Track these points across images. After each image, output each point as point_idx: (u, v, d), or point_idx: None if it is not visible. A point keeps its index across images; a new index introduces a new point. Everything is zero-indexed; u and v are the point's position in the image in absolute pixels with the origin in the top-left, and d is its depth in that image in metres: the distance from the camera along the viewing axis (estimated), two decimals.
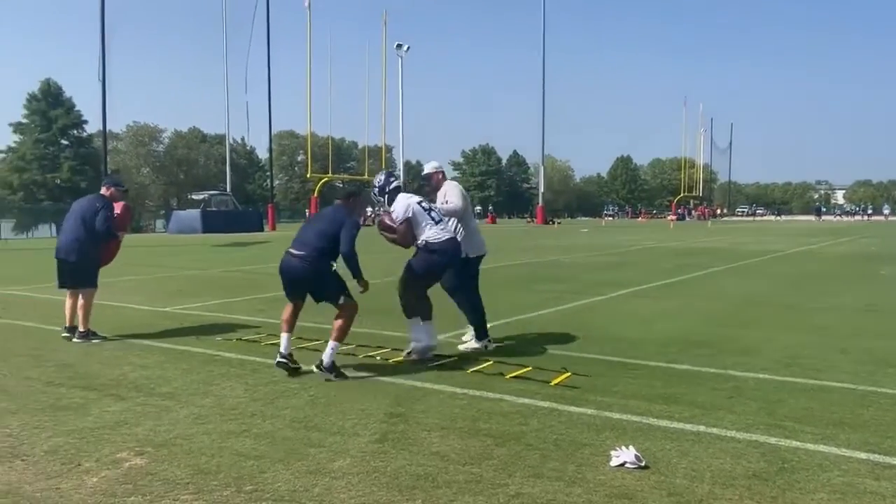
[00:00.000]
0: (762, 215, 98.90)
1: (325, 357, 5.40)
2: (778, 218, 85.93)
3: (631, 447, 3.72)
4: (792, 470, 3.57)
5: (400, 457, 3.76)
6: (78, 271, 7.05)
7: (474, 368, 5.68)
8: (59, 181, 56.77)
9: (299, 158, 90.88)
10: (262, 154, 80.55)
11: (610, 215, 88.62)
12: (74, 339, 6.94)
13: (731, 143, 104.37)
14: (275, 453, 3.82)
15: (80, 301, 7.02)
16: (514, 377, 5.39)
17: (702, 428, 4.22)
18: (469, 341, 6.51)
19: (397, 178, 6.56)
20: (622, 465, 3.60)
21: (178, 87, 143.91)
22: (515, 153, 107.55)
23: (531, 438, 4.05)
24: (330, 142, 54.78)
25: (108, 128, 35.95)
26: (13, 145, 58.96)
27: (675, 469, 3.58)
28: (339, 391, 5.07)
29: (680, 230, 41.36)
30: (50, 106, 58.19)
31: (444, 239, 5.97)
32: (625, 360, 6.02)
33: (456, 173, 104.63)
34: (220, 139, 67.73)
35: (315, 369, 5.42)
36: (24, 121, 58.67)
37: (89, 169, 56.53)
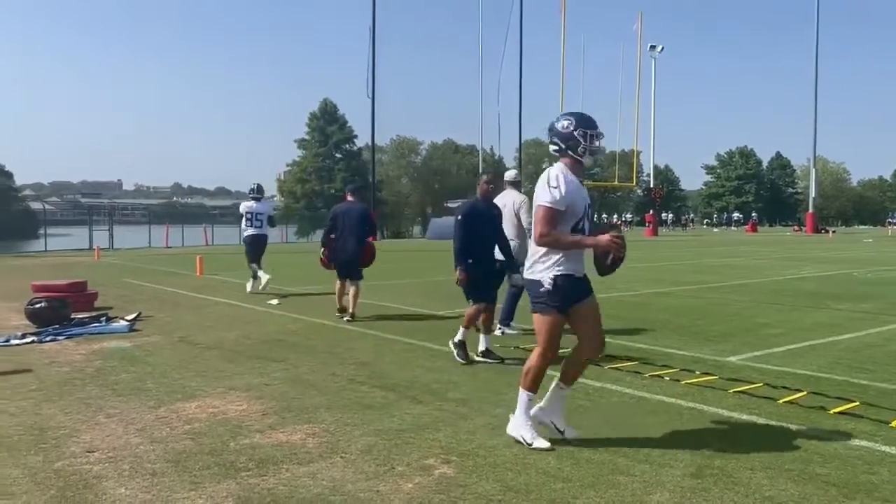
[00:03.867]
0: None
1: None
2: None
3: None
4: None
5: (726, 497, 3.34)
6: (351, 267, 8.98)
7: (785, 399, 5.02)
8: (333, 191, 63.23)
9: (544, 166, 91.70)
10: (510, 163, 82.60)
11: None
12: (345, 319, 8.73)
13: None
14: (583, 477, 3.61)
15: (352, 290, 8.83)
16: (840, 413, 4.66)
17: None
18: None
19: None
20: None
21: (436, 102, 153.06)
22: (779, 155, 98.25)
23: (886, 492, 3.39)
24: None
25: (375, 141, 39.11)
26: (297, 159, 66.99)
27: None
28: (633, 414, 4.75)
29: None
30: (327, 123, 65.19)
31: None
32: None
33: (709, 177, 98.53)
34: (471, 150, 70.63)
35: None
36: (306, 137, 66.48)
37: (359, 179, 62.23)
